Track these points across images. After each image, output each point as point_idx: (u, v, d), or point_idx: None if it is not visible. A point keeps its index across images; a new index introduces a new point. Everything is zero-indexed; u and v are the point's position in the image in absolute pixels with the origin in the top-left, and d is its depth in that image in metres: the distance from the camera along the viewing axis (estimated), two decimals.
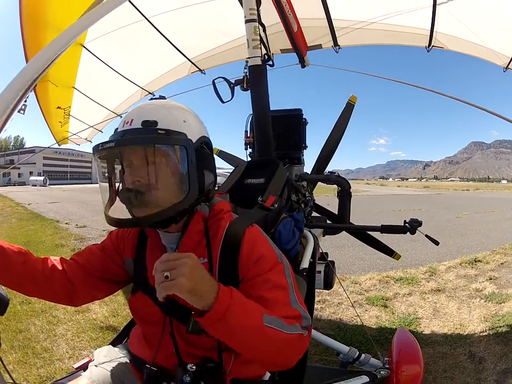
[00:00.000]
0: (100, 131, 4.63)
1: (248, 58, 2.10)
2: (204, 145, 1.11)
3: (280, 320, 0.92)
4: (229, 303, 0.84)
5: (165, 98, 1.16)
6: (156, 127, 0.99)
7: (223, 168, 3.26)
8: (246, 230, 1.12)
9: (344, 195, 2.39)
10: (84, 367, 1.32)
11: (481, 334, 3.21)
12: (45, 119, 3.58)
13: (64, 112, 3.65)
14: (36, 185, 40.70)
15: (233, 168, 2.18)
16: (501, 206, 18.70)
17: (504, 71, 3.03)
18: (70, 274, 1.18)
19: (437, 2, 2.64)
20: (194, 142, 1.05)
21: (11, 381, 1.04)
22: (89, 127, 4.24)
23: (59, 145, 4.32)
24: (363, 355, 2.26)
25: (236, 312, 0.85)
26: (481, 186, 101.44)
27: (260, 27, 2.16)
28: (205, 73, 4.09)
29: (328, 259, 2.26)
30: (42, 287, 1.15)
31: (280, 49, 3.47)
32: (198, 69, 4.04)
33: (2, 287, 1.03)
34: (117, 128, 1.06)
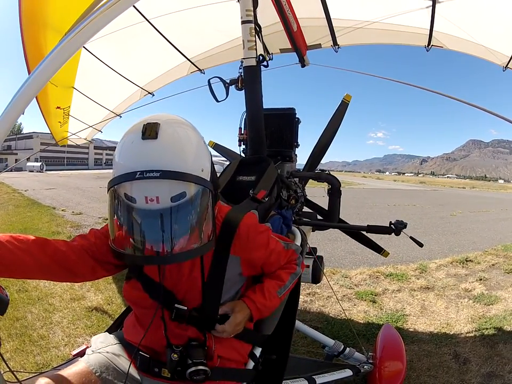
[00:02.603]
0: (100, 131, 4.65)
1: (243, 59, 2.15)
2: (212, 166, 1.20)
3: (285, 283, 1.38)
4: (259, 312, 1.31)
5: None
6: (185, 198, 1.03)
7: (217, 156, 3.34)
8: (243, 217, 1.30)
9: (334, 193, 2.45)
10: (81, 354, 1.38)
11: (467, 334, 3.26)
12: (44, 119, 3.58)
13: (64, 112, 3.65)
14: (32, 171, 40.35)
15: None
16: (496, 206, 18.79)
17: (503, 71, 3.04)
18: (73, 255, 1.23)
19: (436, 2, 2.65)
20: (209, 178, 1.13)
21: (8, 370, 1.08)
22: (89, 126, 4.24)
23: (58, 145, 4.32)
24: (348, 349, 2.34)
25: (263, 310, 1.32)
26: (477, 185, 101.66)
27: (257, 28, 2.19)
28: (204, 73, 4.08)
29: (318, 253, 2.34)
30: (45, 269, 1.18)
31: (280, 49, 3.49)
32: (197, 69, 4.04)
33: (3, 287, 1.07)
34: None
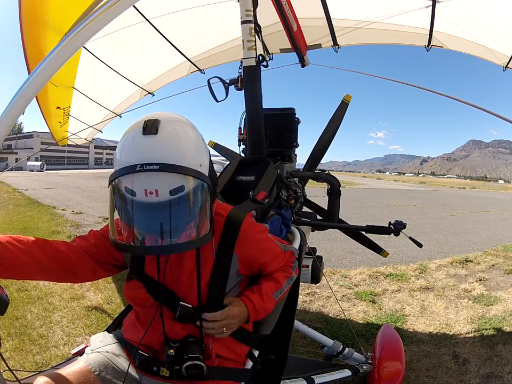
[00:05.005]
0: (100, 131, 4.66)
1: (243, 59, 2.15)
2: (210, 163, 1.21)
3: (281, 286, 1.37)
4: (256, 313, 1.29)
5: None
6: (184, 191, 1.05)
7: (217, 156, 3.35)
8: (246, 216, 1.33)
9: (334, 193, 2.45)
10: (80, 353, 1.39)
11: (466, 335, 3.25)
12: (45, 119, 3.58)
13: (64, 112, 3.66)
14: (33, 170, 40.36)
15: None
16: (496, 206, 18.80)
17: (503, 70, 3.04)
18: (73, 256, 1.25)
19: (436, 2, 2.65)
20: (207, 174, 1.14)
21: (8, 370, 1.09)
22: (89, 127, 4.24)
23: (58, 145, 4.32)
24: (347, 349, 2.34)
25: (260, 311, 1.30)
26: (478, 185, 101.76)
27: (257, 28, 2.19)
28: (204, 73, 4.09)
29: (318, 253, 2.34)
30: (45, 270, 1.21)
31: (280, 49, 3.50)
32: (197, 69, 4.04)
33: (3, 287, 1.08)
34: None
